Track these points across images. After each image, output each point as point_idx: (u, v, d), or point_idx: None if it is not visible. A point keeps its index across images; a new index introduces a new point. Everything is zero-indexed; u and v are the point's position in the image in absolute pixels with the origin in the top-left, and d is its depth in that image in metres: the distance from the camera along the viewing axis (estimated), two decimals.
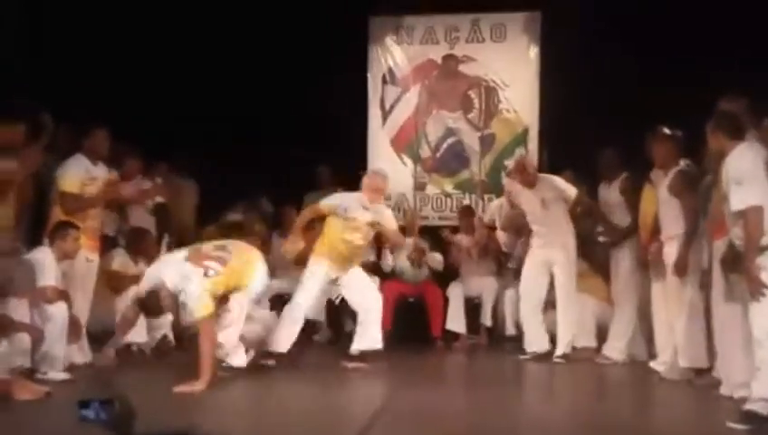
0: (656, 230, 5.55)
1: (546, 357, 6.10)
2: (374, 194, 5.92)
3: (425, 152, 8.33)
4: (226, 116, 7.75)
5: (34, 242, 5.24)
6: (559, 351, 6.09)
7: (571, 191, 6.29)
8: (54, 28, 7.23)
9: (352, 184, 8.00)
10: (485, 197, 8.00)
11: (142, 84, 7.45)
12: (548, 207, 6.27)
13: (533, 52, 8.14)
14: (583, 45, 7.13)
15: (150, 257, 6.21)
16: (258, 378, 5.25)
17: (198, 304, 4.80)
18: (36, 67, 6.90)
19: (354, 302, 5.94)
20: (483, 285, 7.19)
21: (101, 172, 5.61)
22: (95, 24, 7.37)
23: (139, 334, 5.78)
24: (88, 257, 5.50)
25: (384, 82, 8.46)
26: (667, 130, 5.44)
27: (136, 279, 6.01)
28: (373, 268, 7.25)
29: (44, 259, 5.02)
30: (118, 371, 5.35)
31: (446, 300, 7.15)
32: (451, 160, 8.34)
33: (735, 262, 4.23)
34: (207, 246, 5.21)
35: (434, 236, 7.51)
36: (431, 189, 8.29)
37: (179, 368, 5.10)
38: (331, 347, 6.96)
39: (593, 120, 6.98)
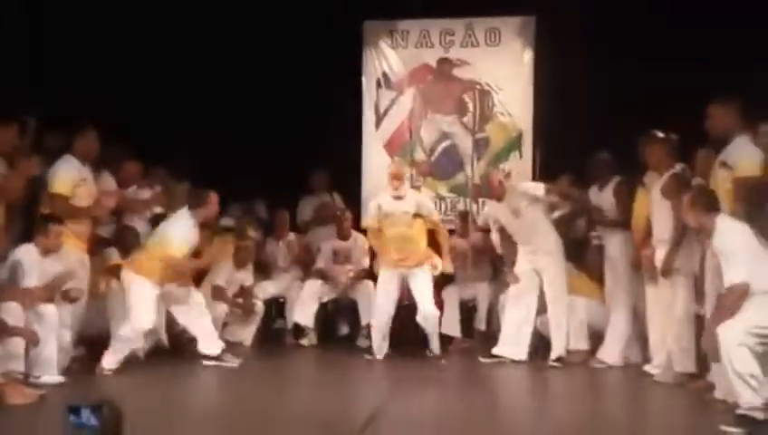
0: (649, 233, 5.56)
1: (518, 364, 6.07)
2: (395, 181, 6.24)
3: (419, 156, 8.34)
4: (220, 119, 7.75)
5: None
6: (553, 355, 6.09)
7: (539, 190, 6.26)
8: (53, 31, 7.22)
9: (347, 188, 8.10)
10: (480, 200, 8.00)
11: (138, 87, 7.45)
12: (520, 215, 6.25)
13: (528, 56, 8.15)
14: (577, 50, 7.14)
15: None
16: (250, 383, 5.24)
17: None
18: (35, 69, 6.90)
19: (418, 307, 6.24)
20: (478, 288, 7.20)
21: (90, 174, 5.60)
22: (91, 27, 7.36)
23: None
24: (81, 260, 5.49)
25: (378, 85, 8.46)
26: (660, 134, 5.45)
27: None
28: (367, 274, 7.25)
29: (26, 257, 4.98)
30: (111, 375, 5.33)
31: (440, 303, 7.14)
32: (446, 164, 8.34)
33: None
34: None
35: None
36: (426, 193, 8.29)
37: (173, 371, 5.09)
38: (319, 351, 6.95)
39: (587, 124, 7.00)
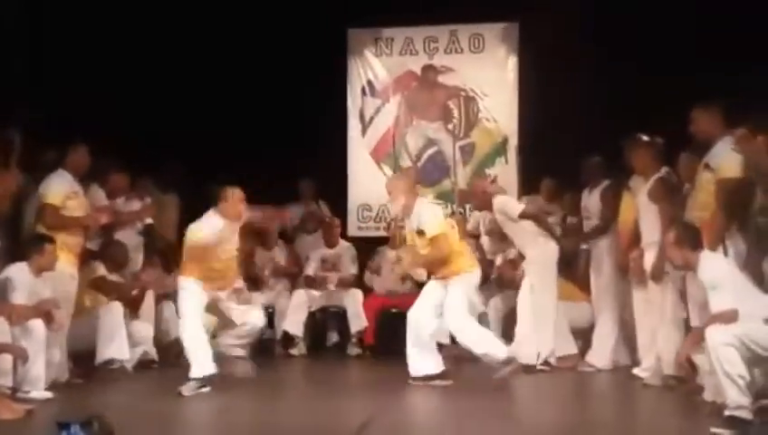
0: (635, 237, 5.59)
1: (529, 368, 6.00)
2: (391, 200, 5.80)
3: (405, 163, 8.35)
4: (205, 129, 7.73)
5: (10, 259, 5.18)
6: (540, 358, 6.07)
7: (514, 212, 6.16)
8: (52, 31, 7.19)
9: (333, 196, 8.10)
10: (467, 206, 8.02)
11: (121, 100, 7.42)
12: (504, 225, 6.26)
13: (512, 62, 8.19)
14: (560, 55, 7.18)
15: (126, 271, 6.21)
16: (241, 393, 5.22)
17: None
18: (35, 69, 6.86)
19: None
20: None
21: (81, 189, 5.60)
22: (90, 28, 7.37)
23: (120, 351, 5.73)
24: (72, 274, 5.47)
25: (363, 93, 8.48)
26: (645, 137, 5.49)
27: (121, 286, 5.99)
28: (355, 282, 7.25)
29: (17, 276, 4.97)
30: (99, 388, 5.30)
31: None
32: (432, 170, 8.36)
33: None
34: None
35: None
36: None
37: (161, 385, 5.07)
38: (309, 360, 6.94)
39: (572, 129, 7.05)
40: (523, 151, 8.00)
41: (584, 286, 6.37)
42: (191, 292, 5.29)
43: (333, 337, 7.44)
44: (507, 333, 6.44)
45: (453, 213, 8.01)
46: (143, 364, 6.05)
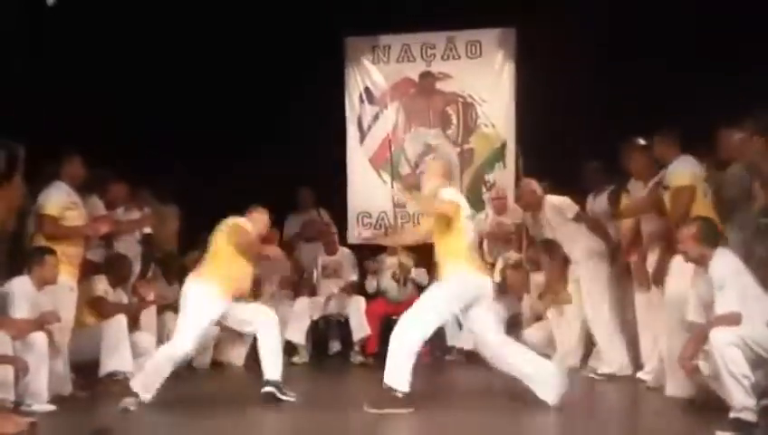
0: (634, 240, 5.59)
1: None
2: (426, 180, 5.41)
3: (404, 169, 8.36)
4: (203, 137, 7.74)
5: (12, 273, 5.18)
6: (606, 369, 5.94)
7: (570, 212, 6.13)
8: (52, 31, 7.17)
9: (333, 203, 8.10)
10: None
11: (116, 110, 7.41)
12: (553, 224, 6.23)
13: (509, 67, 8.20)
14: (557, 60, 7.19)
15: (128, 284, 6.21)
16: (244, 403, 5.21)
17: None
18: (35, 68, 6.85)
19: None
20: None
21: (79, 199, 5.60)
22: (90, 28, 7.30)
23: (124, 363, 5.71)
24: (71, 287, 5.46)
25: (361, 101, 8.49)
26: (642, 141, 5.50)
27: (120, 307, 5.98)
28: (357, 289, 7.25)
29: (18, 290, 4.97)
30: (102, 401, 5.28)
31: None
32: None
33: None
34: None
35: (418, 253, 7.51)
36: (412, 206, 8.30)
37: (165, 396, 5.05)
38: (312, 368, 6.93)
39: (569, 133, 7.06)
40: (521, 156, 8.00)
41: None
42: (209, 304, 5.09)
43: (336, 345, 7.43)
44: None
45: None
46: None
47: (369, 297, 7.34)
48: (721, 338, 4.00)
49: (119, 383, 5.74)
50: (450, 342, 6.99)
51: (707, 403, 4.45)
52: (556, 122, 7.23)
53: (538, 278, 6.66)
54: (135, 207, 6.63)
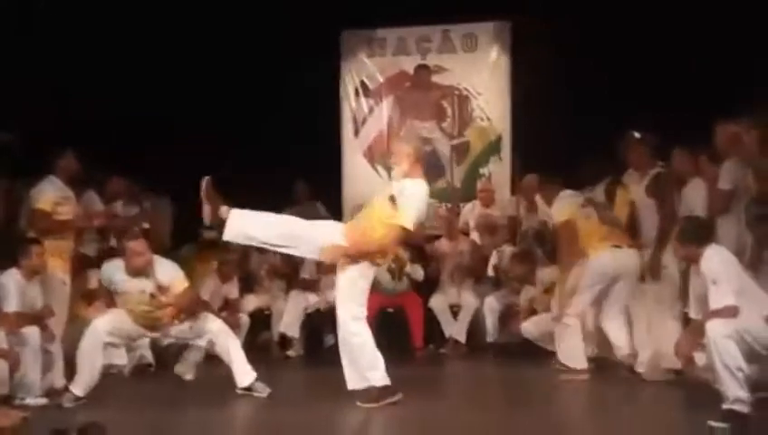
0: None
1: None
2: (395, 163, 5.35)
3: None
4: (198, 130, 7.72)
5: (3, 267, 5.17)
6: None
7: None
8: (52, 31, 7.18)
9: (328, 196, 8.09)
10: (461, 205, 8.02)
11: (113, 109, 7.40)
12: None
13: (504, 60, 8.20)
14: (553, 53, 7.19)
15: None
16: (238, 397, 5.20)
17: None
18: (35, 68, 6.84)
19: None
20: (461, 297, 7.15)
21: (72, 194, 5.60)
22: (88, 28, 7.34)
23: (117, 356, 5.70)
24: (64, 280, 5.45)
25: (357, 94, 8.49)
26: (637, 135, 5.51)
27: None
28: None
29: (7, 283, 4.96)
30: (95, 394, 5.27)
31: (428, 310, 7.11)
32: (426, 170, 8.29)
33: None
34: None
35: (414, 247, 7.49)
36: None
37: (158, 390, 5.05)
38: (306, 362, 6.92)
39: (565, 127, 7.05)
40: (516, 149, 8.00)
41: None
42: None
43: (330, 339, 7.41)
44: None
45: (448, 211, 8.02)
46: (140, 369, 6.02)
47: None
48: (717, 330, 4.00)
49: (112, 376, 5.76)
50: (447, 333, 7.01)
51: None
52: (551, 115, 7.22)
53: (544, 273, 6.61)
54: (134, 202, 6.62)
